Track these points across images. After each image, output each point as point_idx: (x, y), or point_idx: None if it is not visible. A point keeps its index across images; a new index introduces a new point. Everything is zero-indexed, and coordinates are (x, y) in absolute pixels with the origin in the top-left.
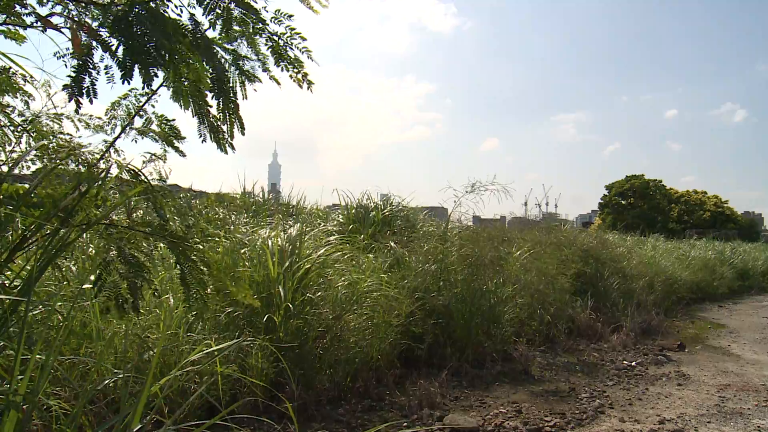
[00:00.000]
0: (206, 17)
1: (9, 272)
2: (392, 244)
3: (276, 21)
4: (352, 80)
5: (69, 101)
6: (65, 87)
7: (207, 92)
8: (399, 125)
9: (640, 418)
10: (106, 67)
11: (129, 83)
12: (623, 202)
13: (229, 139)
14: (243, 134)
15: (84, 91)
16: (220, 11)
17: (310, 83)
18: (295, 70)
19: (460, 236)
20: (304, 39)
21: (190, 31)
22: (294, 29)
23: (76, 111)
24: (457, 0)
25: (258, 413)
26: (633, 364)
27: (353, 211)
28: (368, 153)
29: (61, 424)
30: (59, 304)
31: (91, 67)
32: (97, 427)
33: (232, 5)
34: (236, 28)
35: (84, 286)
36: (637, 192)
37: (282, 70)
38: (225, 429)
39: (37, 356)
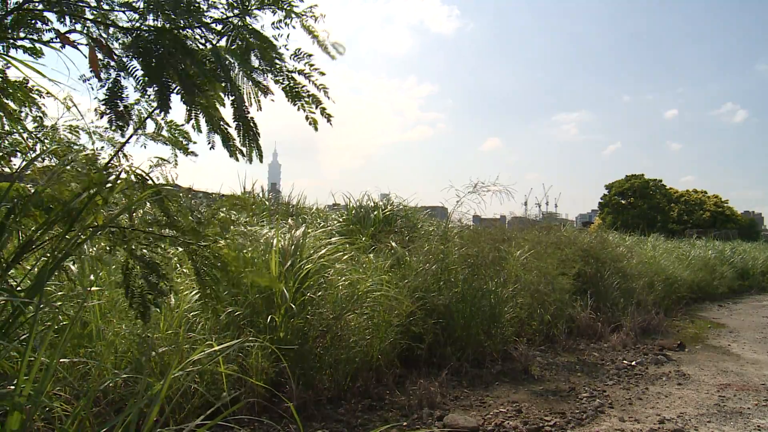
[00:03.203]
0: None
1: (14, 273)
2: (393, 243)
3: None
4: (354, 80)
5: (110, 127)
6: (102, 114)
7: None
8: (401, 125)
9: (640, 417)
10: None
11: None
12: (623, 202)
13: (246, 150)
14: (261, 161)
15: (120, 114)
16: (240, 42)
17: (329, 117)
18: (311, 108)
19: (460, 236)
20: (323, 74)
21: (210, 61)
22: (313, 65)
23: (122, 134)
24: (460, 2)
25: (258, 412)
26: (633, 363)
27: (354, 211)
28: (370, 153)
29: (62, 424)
30: (60, 303)
31: (122, 92)
32: (98, 427)
33: (252, 39)
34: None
35: (96, 288)
36: (637, 191)
37: (299, 110)
38: (225, 429)
39: (42, 358)
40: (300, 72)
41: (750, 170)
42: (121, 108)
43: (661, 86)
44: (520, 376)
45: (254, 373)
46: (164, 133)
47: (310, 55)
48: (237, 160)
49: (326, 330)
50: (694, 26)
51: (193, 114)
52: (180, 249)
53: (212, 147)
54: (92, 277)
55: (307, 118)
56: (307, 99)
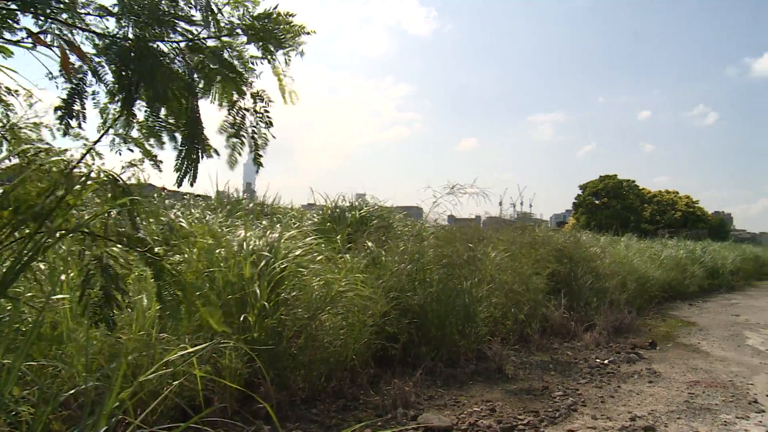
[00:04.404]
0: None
1: None
2: (368, 243)
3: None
4: (332, 80)
5: (61, 123)
6: (57, 109)
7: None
8: (378, 125)
9: (612, 415)
10: (93, 93)
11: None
12: (597, 202)
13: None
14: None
15: (74, 114)
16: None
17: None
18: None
19: (435, 236)
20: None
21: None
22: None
23: (65, 133)
24: (437, 4)
25: (231, 414)
26: (605, 362)
27: (330, 211)
28: (347, 153)
29: (29, 427)
30: (29, 305)
31: (84, 93)
32: (66, 431)
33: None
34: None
35: (60, 296)
36: (610, 192)
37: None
38: (197, 431)
39: (5, 360)
40: (256, 112)
41: (720, 171)
42: (77, 108)
43: (634, 88)
44: (494, 375)
45: (228, 374)
46: (134, 134)
47: (271, 101)
48: (210, 157)
49: (301, 330)
50: (667, 29)
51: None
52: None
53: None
54: (63, 278)
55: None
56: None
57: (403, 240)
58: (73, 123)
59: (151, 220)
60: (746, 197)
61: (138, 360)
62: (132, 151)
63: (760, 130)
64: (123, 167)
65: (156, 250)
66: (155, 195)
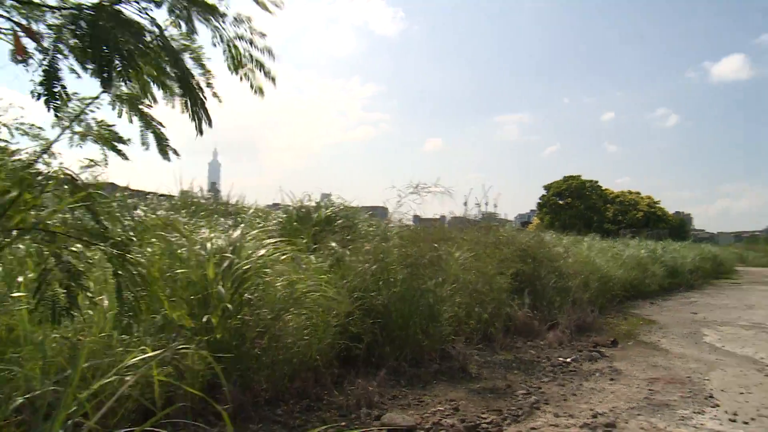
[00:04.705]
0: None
1: None
2: (333, 244)
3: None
4: (298, 80)
5: (48, 110)
6: (39, 95)
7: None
8: (344, 125)
9: (574, 412)
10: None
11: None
12: (561, 202)
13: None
14: (210, 126)
15: (56, 96)
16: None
17: (273, 80)
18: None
19: (400, 236)
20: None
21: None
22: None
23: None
24: (405, 4)
25: (194, 415)
26: (568, 360)
27: (295, 211)
28: (313, 153)
29: None
30: None
31: (59, 71)
32: None
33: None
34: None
35: (15, 295)
36: (574, 192)
37: (241, 79)
38: None
39: None
40: (241, 38)
41: (681, 172)
42: (58, 88)
43: (599, 90)
44: (458, 374)
45: (190, 376)
46: (95, 131)
47: (250, 19)
48: (169, 160)
49: (264, 331)
50: (630, 33)
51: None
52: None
53: (147, 148)
54: (20, 279)
55: (252, 86)
56: (250, 66)
57: (368, 240)
58: (58, 103)
59: (115, 216)
60: (705, 198)
61: (98, 362)
62: (98, 143)
63: (718, 132)
64: (82, 167)
65: (118, 242)
66: (117, 194)
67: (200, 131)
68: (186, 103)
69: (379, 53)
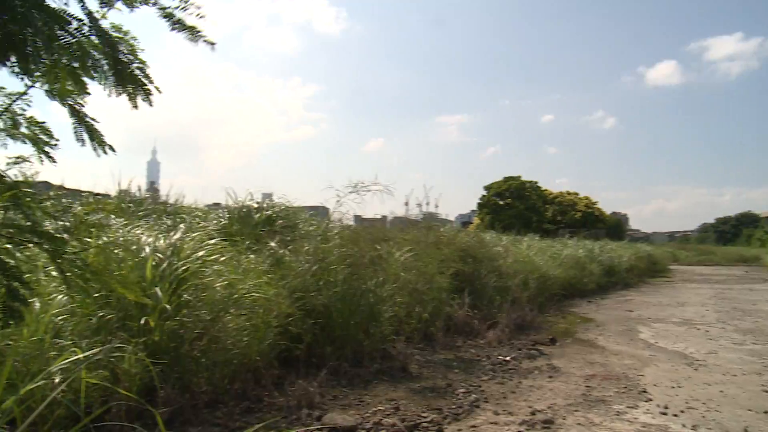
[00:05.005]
0: None
1: None
2: (273, 244)
3: None
4: (238, 79)
5: None
6: None
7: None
8: (285, 125)
9: (514, 410)
10: None
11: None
12: (501, 203)
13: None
14: (160, 91)
15: None
16: None
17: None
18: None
19: (340, 236)
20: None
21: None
22: None
23: None
24: (348, 4)
25: (133, 418)
26: (507, 358)
27: (236, 211)
28: (254, 152)
29: None
30: None
31: None
32: None
33: None
34: None
35: None
36: (514, 192)
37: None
38: None
39: None
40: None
41: (617, 174)
42: None
43: (538, 92)
44: (398, 374)
45: (127, 379)
46: (23, 129)
47: None
48: (105, 153)
49: (203, 332)
50: (568, 36)
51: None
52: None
53: (83, 144)
54: None
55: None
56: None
57: (309, 240)
58: None
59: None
60: (640, 199)
61: (29, 366)
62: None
63: (653, 136)
64: (8, 164)
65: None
66: (51, 193)
67: (135, 105)
68: (117, 79)
69: (321, 53)
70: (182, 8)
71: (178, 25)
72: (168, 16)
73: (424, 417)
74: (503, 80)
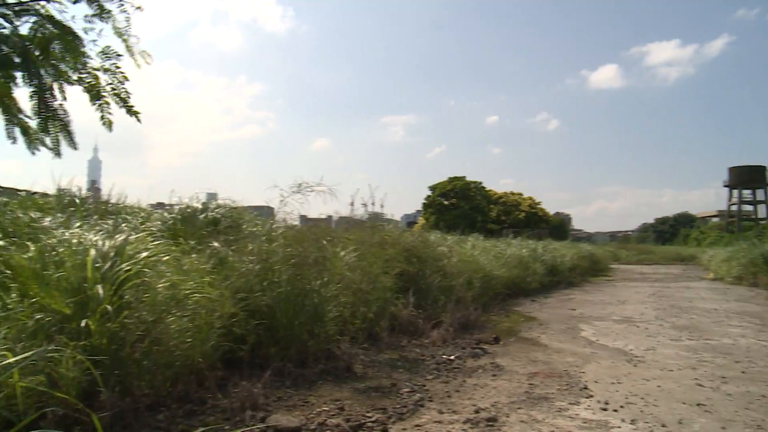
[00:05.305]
0: None
1: None
2: (215, 244)
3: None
4: (183, 77)
5: None
6: None
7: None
8: (230, 123)
9: (458, 408)
10: None
11: None
12: (446, 203)
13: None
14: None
15: None
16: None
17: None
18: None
19: (284, 236)
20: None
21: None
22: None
23: None
24: (295, 3)
25: (71, 423)
26: (452, 357)
27: (180, 211)
28: (198, 151)
29: None
30: None
31: None
32: None
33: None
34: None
35: None
36: (459, 193)
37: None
38: None
39: None
40: (106, 70)
41: (561, 174)
42: None
43: (483, 94)
44: (343, 374)
45: (65, 383)
46: None
47: (119, 55)
48: (38, 150)
49: (145, 334)
50: (514, 39)
51: None
52: None
53: (14, 141)
54: None
55: (102, 118)
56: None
57: (253, 240)
58: None
59: None
60: (583, 199)
61: None
62: None
63: (595, 138)
64: None
65: None
66: None
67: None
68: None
69: (267, 52)
70: None
71: None
72: None
73: (369, 417)
74: (449, 81)
